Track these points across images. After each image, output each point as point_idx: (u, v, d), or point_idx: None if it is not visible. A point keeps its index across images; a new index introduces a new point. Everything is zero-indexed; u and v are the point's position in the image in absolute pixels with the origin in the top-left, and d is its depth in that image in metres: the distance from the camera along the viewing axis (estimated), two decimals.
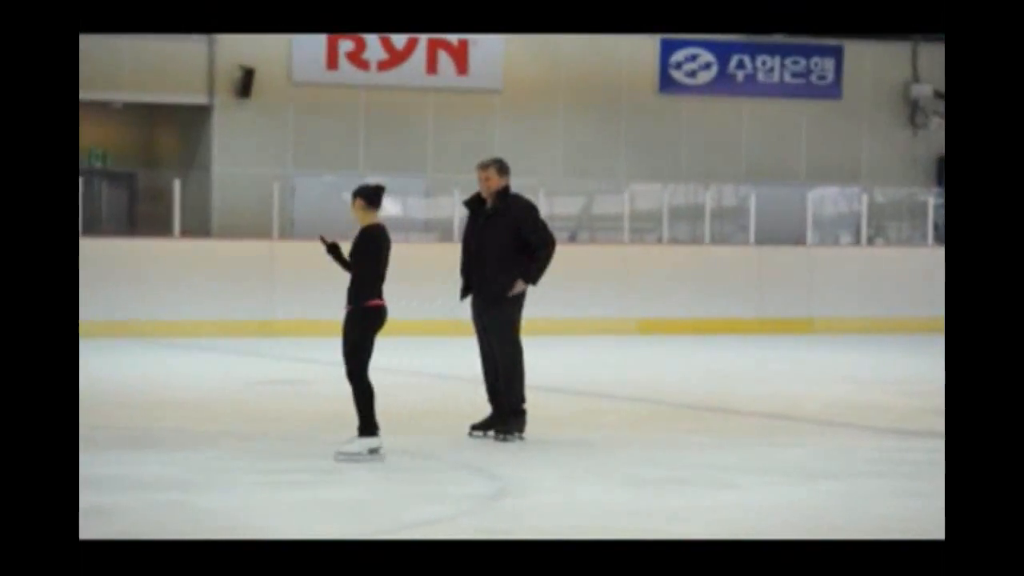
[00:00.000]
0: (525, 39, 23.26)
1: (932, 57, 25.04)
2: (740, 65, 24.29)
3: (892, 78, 24.99)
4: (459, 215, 20.50)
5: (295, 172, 22.38)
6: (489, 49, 23.17)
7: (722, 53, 24.21)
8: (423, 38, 22.90)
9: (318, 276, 20.29)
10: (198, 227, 21.79)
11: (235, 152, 22.46)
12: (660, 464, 9.65)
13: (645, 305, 20.84)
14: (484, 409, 10.66)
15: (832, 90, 24.67)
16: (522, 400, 10.45)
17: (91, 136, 22.42)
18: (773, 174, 24.40)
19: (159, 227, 21.17)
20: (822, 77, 24.59)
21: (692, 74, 24.09)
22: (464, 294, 10.65)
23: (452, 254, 18.83)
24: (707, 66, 24.14)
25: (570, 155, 23.71)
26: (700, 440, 10.85)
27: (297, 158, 22.61)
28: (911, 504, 8.43)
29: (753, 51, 24.32)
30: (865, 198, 23.12)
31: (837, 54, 24.64)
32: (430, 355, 17.33)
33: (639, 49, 23.96)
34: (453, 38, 23.01)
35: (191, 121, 22.84)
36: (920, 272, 22.16)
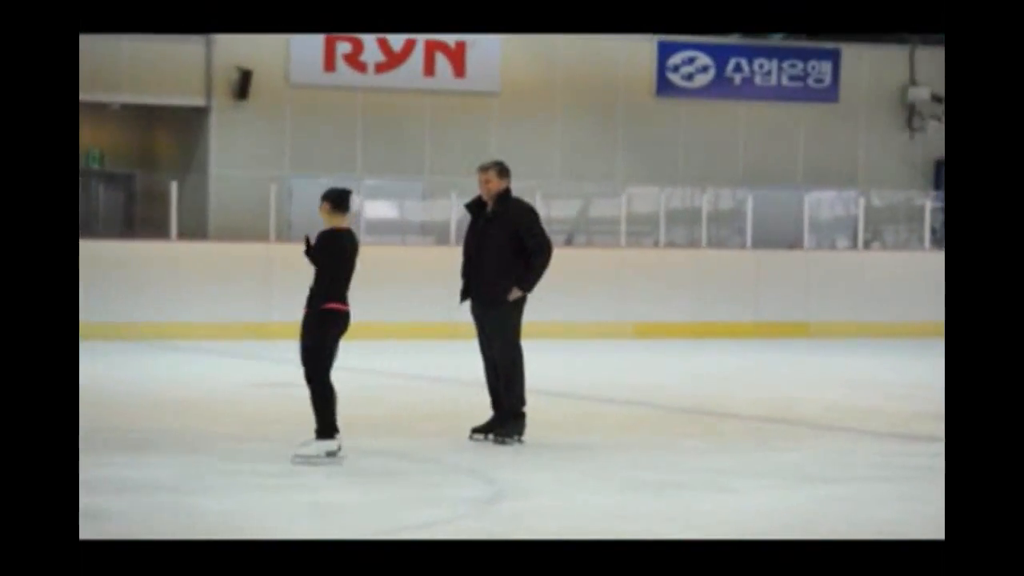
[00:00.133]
0: (522, 42, 23.26)
1: (929, 60, 25.05)
2: (737, 68, 24.30)
3: (889, 81, 25.01)
4: (456, 218, 20.50)
5: (292, 174, 22.37)
6: (486, 52, 23.17)
7: (719, 56, 24.22)
8: (420, 40, 22.90)
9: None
10: (195, 229, 21.78)
11: (232, 154, 22.45)
12: (658, 468, 9.65)
13: (642, 309, 20.83)
14: (483, 412, 10.66)
15: (829, 93, 24.68)
16: (522, 403, 10.45)
17: (88, 137, 22.42)
18: (770, 177, 24.41)
19: (156, 229, 21.16)
20: (819, 80, 24.61)
21: (689, 77, 24.11)
22: (463, 297, 10.65)
23: (449, 257, 18.85)
24: (704, 69, 24.15)
25: (567, 158, 23.72)
26: (697, 444, 10.85)
27: (294, 160, 22.61)
28: (909, 508, 8.43)
29: (750, 54, 24.33)
30: (862, 202, 23.13)
31: (834, 57, 24.66)
32: (428, 358, 17.32)
33: (636, 52, 23.97)
34: (450, 40, 23.01)
35: (188, 123, 22.84)
36: (917, 276, 22.17)
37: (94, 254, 17.99)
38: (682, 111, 24.20)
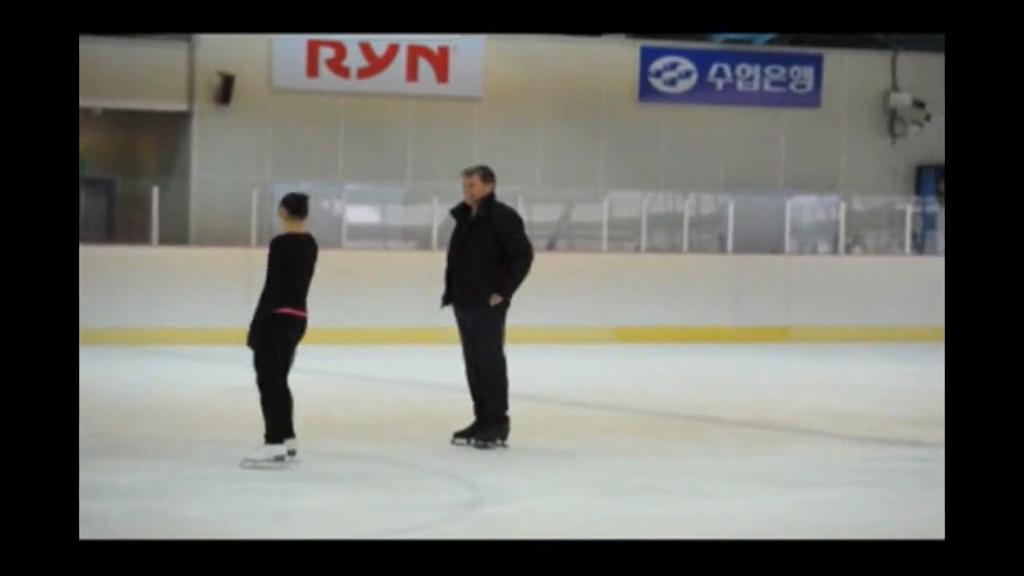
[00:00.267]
0: (505, 47, 23.28)
1: (911, 66, 25.11)
2: (720, 73, 24.34)
3: (871, 87, 25.06)
4: (438, 223, 20.49)
5: (274, 179, 22.34)
6: (469, 57, 23.17)
7: (702, 61, 24.25)
8: (403, 45, 22.90)
9: None
10: (177, 234, 21.74)
11: (214, 159, 22.42)
12: (640, 472, 9.66)
13: (624, 313, 20.84)
14: (465, 416, 10.67)
15: (811, 99, 24.73)
16: (505, 407, 10.45)
17: None
18: (752, 182, 24.45)
19: (138, 234, 21.11)
20: (801, 86, 24.65)
21: (672, 82, 24.14)
22: (445, 301, 10.65)
23: (432, 262, 18.84)
24: (687, 74, 24.18)
25: (549, 163, 23.73)
26: (679, 448, 10.87)
27: (276, 165, 22.58)
28: (890, 512, 8.46)
29: (733, 59, 24.37)
30: (843, 207, 23.18)
31: (816, 63, 24.71)
32: (410, 363, 17.32)
33: (619, 57, 23.99)
34: (433, 46, 23.01)
35: (170, 128, 22.80)
36: (898, 280, 22.23)
37: None
38: (664, 116, 24.23)
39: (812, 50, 24.79)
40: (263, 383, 9.44)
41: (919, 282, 22.18)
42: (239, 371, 16.03)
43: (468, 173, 10.62)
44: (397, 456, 10.15)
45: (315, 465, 9.81)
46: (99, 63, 21.61)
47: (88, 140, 23.57)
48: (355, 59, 22.76)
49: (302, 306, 9.53)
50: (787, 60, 24.62)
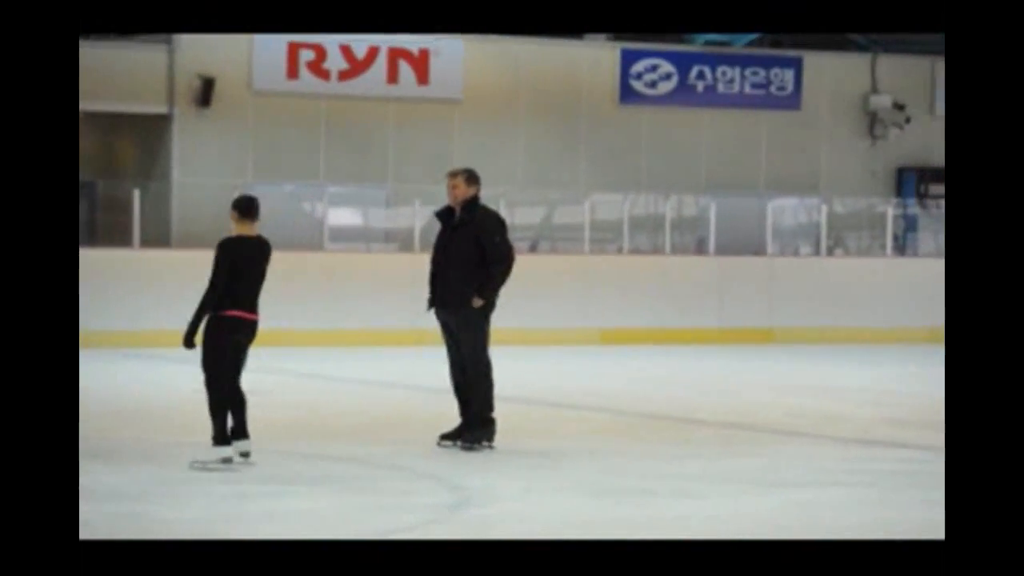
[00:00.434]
0: (485, 49, 23.27)
1: (890, 68, 25.17)
2: (700, 76, 24.36)
3: (851, 89, 25.11)
4: (420, 225, 20.46)
5: (255, 181, 22.28)
6: (450, 59, 23.15)
7: (682, 64, 24.27)
8: (383, 48, 22.87)
9: (277, 286, 20.22)
10: (158, 237, 21.68)
11: (195, 161, 22.37)
12: (624, 474, 9.65)
13: (607, 315, 20.84)
14: (450, 418, 10.64)
15: (791, 101, 24.76)
16: (490, 409, 10.43)
17: None
18: (733, 184, 24.47)
19: (119, 237, 21.04)
20: (781, 88, 24.69)
21: (652, 84, 24.14)
22: (430, 304, 10.61)
23: (413, 264, 18.82)
24: (667, 76, 24.19)
25: (531, 165, 23.72)
26: (663, 450, 10.86)
27: (257, 167, 22.54)
28: (874, 513, 8.46)
29: (713, 62, 24.39)
30: (824, 209, 23.21)
31: (796, 65, 24.74)
32: (393, 365, 17.29)
33: (599, 59, 24.00)
34: (414, 48, 22.99)
35: (151, 130, 22.73)
36: (879, 282, 22.27)
37: None
38: (645, 118, 24.24)
39: (792, 52, 24.82)
40: (209, 385, 9.46)
41: (901, 284, 22.24)
42: None
43: (452, 175, 10.59)
44: (382, 458, 10.12)
45: (300, 467, 9.78)
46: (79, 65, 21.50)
47: None
48: (335, 61, 22.72)
49: (252, 308, 9.54)
50: (767, 62, 24.65)
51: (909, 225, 24.86)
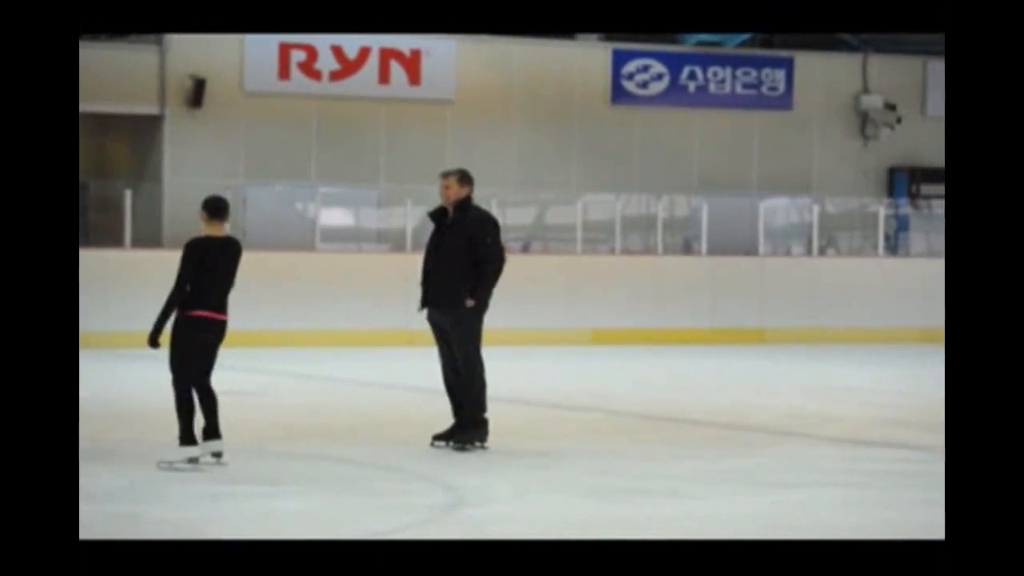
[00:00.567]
0: (477, 50, 23.26)
1: (882, 68, 25.18)
2: (691, 76, 24.36)
3: (842, 90, 25.12)
4: (412, 225, 20.46)
5: (247, 182, 22.27)
6: (441, 60, 23.14)
7: (674, 64, 24.27)
8: (375, 48, 22.85)
9: (269, 286, 20.21)
10: (149, 238, 21.64)
11: (186, 162, 22.34)
12: (617, 475, 9.64)
13: (599, 315, 20.84)
14: (443, 418, 10.63)
15: (783, 101, 24.77)
16: (483, 409, 10.42)
17: None
18: (725, 185, 24.48)
19: (110, 238, 21.01)
20: (773, 88, 24.69)
21: (644, 85, 24.15)
22: (422, 305, 10.60)
23: (405, 264, 18.80)
24: (659, 77, 24.20)
25: (522, 166, 23.72)
26: (655, 450, 10.86)
27: (249, 168, 22.51)
28: (868, 513, 8.46)
29: (704, 62, 24.40)
30: (816, 209, 23.22)
31: (788, 65, 24.75)
32: (386, 365, 17.27)
33: (591, 60, 23.99)
34: (405, 48, 22.97)
35: (142, 131, 22.71)
36: (871, 282, 22.28)
37: None
38: (637, 119, 24.23)
39: (783, 53, 24.83)
40: (174, 384, 9.49)
41: (892, 284, 22.25)
42: (216, 374, 15.96)
43: (445, 175, 10.57)
44: (375, 458, 10.11)
45: (293, 468, 9.77)
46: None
47: None
48: (327, 62, 22.71)
49: (220, 309, 9.55)
50: (758, 63, 24.66)
51: (901, 225, 24.88)
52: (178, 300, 9.43)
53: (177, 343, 9.48)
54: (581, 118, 23.97)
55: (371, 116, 23.02)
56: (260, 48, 22.36)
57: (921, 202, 24.84)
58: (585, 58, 23.98)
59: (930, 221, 24.31)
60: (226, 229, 9.70)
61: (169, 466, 9.34)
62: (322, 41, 22.52)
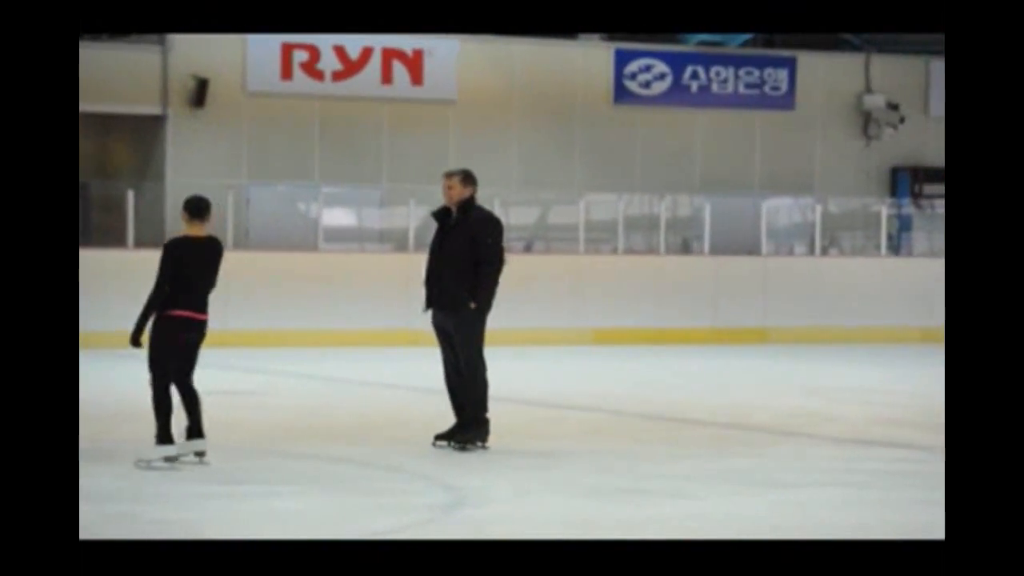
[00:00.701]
0: (480, 50, 23.26)
1: (884, 68, 25.17)
2: (694, 76, 24.36)
3: (845, 89, 25.12)
4: (415, 225, 20.47)
5: (250, 182, 22.28)
6: (444, 60, 23.15)
7: (676, 64, 24.27)
8: (377, 48, 22.86)
9: (271, 287, 20.23)
10: (152, 238, 21.63)
11: (189, 162, 22.35)
12: (618, 474, 9.64)
13: (601, 315, 20.84)
14: (445, 418, 10.63)
15: (785, 101, 24.77)
16: (484, 409, 10.42)
17: None
18: (727, 184, 24.47)
19: (112, 238, 21.03)
20: (776, 88, 24.69)
21: (646, 85, 24.14)
22: (427, 305, 10.58)
23: (408, 264, 18.81)
24: (661, 76, 24.19)
25: (525, 166, 23.72)
26: (657, 450, 10.86)
27: (252, 168, 22.52)
28: (869, 512, 8.46)
29: (707, 62, 24.39)
30: (819, 208, 23.22)
31: (790, 65, 24.75)
32: (388, 365, 17.28)
33: (593, 60, 23.99)
34: (408, 49, 22.98)
35: (144, 131, 22.72)
36: (874, 282, 22.28)
37: None
38: (639, 119, 24.23)
39: (786, 52, 24.83)
40: (151, 383, 9.50)
41: (895, 284, 22.25)
42: (211, 374, 15.95)
43: (448, 175, 10.57)
44: (376, 458, 10.12)
45: (294, 468, 9.78)
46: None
47: None
48: (329, 62, 22.71)
49: (200, 308, 9.58)
50: (761, 62, 24.66)
51: (903, 225, 24.87)
52: (159, 300, 9.46)
53: (157, 342, 9.52)
54: (584, 118, 23.97)
55: (374, 116, 23.03)
56: (262, 48, 22.37)
57: (924, 202, 24.83)
58: (588, 58, 23.97)
59: (932, 221, 24.30)
60: (207, 229, 9.70)
61: (147, 465, 9.37)
62: (324, 41, 22.52)
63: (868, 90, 25.08)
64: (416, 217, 20.56)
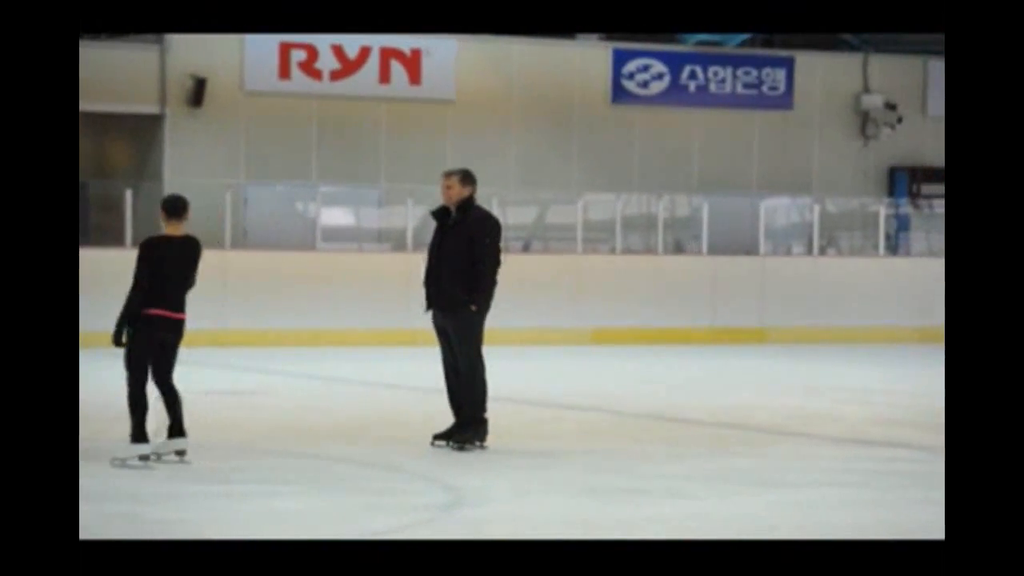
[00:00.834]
0: (478, 50, 23.25)
1: (882, 68, 25.18)
2: (692, 76, 24.36)
3: (843, 89, 25.12)
4: (413, 225, 20.46)
5: (247, 182, 22.28)
6: (442, 60, 23.14)
7: (674, 64, 24.27)
8: (375, 48, 22.85)
9: (270, 286, 20.22)
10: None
11: (187, 162, 22.34)
12: (616, 474, 9.64)
13: (599, 315, 20.85)
14: (443, 418, 10.63)
15: (783, 101, 24.77)
16: (483, 409, 10.42)
17: None
18: (725, 184, 24.48)
19: (110, 237, 21.02)
20: (773, 88, 24.69)
21: (644, 84, 24.14)
22: (428, 305, 10.57)
23: (406, 264, 18.80)
24: (659, 76, 24.20)
25: (523, 165, 23.72)
26: (655, 450, 10.85)
27: (249, 168, 22.51)
28: (868, 512, 8.46)
29: (705, 62, 24.40)
30: (817, 208, 23.22)
31: (788, 65, 24.75)
32: (386, 364, 17.27)
33: (591, 59, 23.99)
34: (406, 48, 22.97)
35: (142, 130, 22.71)
36: (872, 282, 22.29)
37: None
38: (637, 118, 24.24)
39: (784, 52, 24.83)
40: (128, 382, 9.52)
41: (893, 284, 22.25)
42: (210, 374, 15.98)
43: (447, 175, 10.56)
44: (375, 458, 10.11)
45: (293, 467, 9.77)
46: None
47: None
48: (327, 61, 22.70)
49: (177, 308, 9.59)
50: (759, 62, 24.66)
51: (901, 225, 24.88)
52: (138, 299, 9.46)
53: (133, 341, 9.50)
54: (582, 118, 23.97)
55: (372, 116, 23.02)
56: (260, 48, 22.36)
57: (922, 202, 24.84)
58: (586, 58, 23.97)
59: (931, 221, 24.31)
60: (185, 228, 9.72)
61: (121, 463, 9.38)
62: (323, 41, 22.51)
63: (866, 90, 25.09)
64: (414, 217, 20.56)
